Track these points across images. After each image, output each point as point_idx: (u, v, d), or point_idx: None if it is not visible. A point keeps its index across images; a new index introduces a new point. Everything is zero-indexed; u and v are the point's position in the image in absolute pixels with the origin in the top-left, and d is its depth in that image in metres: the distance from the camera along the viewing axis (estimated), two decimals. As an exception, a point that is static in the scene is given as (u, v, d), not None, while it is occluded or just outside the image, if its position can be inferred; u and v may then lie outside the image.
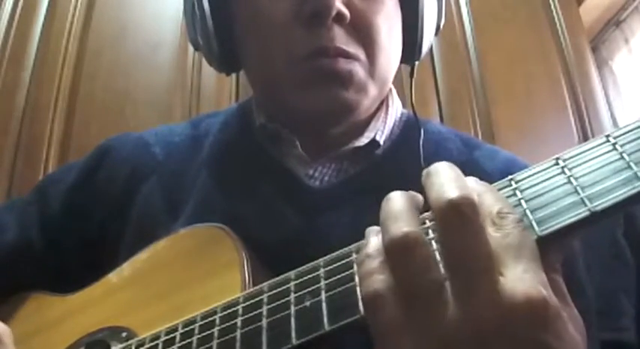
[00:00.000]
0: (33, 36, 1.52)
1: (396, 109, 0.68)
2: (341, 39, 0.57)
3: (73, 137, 1.43)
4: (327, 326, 0.37)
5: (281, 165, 0.63)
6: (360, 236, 0.39)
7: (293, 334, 0.38)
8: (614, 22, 2.14)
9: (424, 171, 0.36)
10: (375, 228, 0.37)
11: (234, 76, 0.73)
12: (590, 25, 2.08)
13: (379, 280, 0.33)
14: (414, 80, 0.68)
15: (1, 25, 1.52)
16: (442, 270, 0.33)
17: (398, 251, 0.33)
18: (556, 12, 1.59)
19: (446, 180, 0.34)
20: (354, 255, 0.39)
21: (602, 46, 2.20)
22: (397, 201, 0.36)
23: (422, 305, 0.32)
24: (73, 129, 1.44)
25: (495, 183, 0.38)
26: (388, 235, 0.33)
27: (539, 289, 0.31)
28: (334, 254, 0.41)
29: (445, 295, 0.32)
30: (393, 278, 0.33)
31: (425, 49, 0.66)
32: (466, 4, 1.60)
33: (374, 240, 0.36)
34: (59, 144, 1.42)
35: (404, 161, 0.63)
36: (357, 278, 0.37)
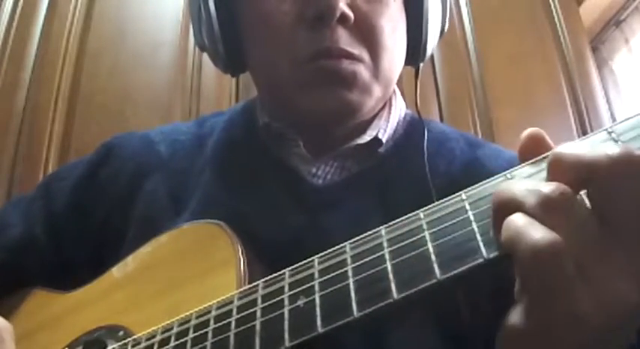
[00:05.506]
0: (33, 36, 1.51)
1: (399, 109, 0.68)
2: (345, 40, 0.57)
3: (73, 137, 1.42)
4: (320, 328, 0.36)
5: (284, 164, 0.63)
6: (363, 233, 0.39)
7: (286, 335, 0.37)
8: (614, 22, 2.14)
9: (554, 156, 0.36)
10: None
11: (234, 76, 0.73)
12: (590, 25, 2.07)
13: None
14: (417, 81, 0.69)
15: (1, 25, 1.52)
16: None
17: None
18: (556, 12, 1.59)
19: (589, 155, 0.34)
20: (349, 252, 0.39)
21: (602, 46, 2.20)
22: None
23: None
24: (73, 129, 1.43)
25: (491, 178, 0.38)
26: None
27: None
28: (328, 251, 0.40)
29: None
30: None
31: (429, 51, 0.66)
32: (466, 4, 1.59)
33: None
34: (59, 144, 1.41)
35: (407, 160, 0.63)
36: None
